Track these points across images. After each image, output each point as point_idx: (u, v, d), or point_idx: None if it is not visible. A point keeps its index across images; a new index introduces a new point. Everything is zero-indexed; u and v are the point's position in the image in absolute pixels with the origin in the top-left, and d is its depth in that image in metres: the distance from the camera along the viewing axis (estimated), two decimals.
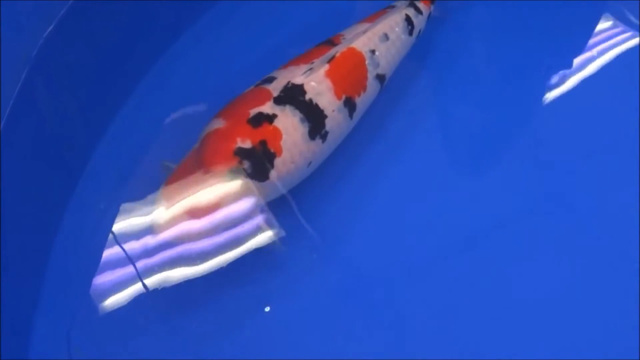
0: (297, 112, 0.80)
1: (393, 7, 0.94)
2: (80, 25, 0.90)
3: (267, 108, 0.79)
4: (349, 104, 0.85)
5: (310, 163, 0.82)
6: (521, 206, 0.90)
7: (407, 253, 0.87)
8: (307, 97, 0.81)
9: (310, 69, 0.83)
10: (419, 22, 0.94)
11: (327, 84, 0.83)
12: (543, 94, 0.98)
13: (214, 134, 0.78)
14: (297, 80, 0.82)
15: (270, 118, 0.79)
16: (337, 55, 0.85)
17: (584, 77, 0.99)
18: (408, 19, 0.92)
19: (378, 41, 0.88)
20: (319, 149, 0.82)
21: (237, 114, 0.79)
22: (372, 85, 0.88)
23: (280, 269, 0.84)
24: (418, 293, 0.85)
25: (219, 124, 0.79)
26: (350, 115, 0.86)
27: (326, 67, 0.84)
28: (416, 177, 0.91)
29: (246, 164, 0.77)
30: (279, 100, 0.80)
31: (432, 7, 0.97)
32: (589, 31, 1.03)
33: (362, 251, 0.87)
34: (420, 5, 0.95)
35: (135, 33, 0.94)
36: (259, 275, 0.83)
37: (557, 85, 0.99)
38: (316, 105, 0.81)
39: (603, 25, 1.04)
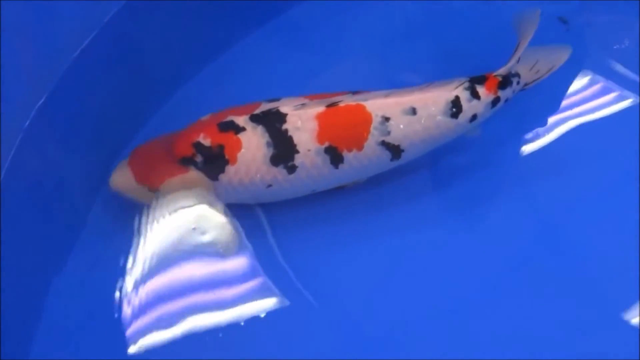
0: (266, 135, 0.85)
1: (448, 81, 0.89)
2: (73, 94, 0.96)
3: (241, 120, 0.85)
4: (332, 153, 0.86)
5: (269, 186, 0.86)
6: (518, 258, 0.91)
7: (403, 308, 0.88)
8: (284, 127, 0.85)
9: (303, 104, 0.86)
10: (473, 107, 0.88)
11: (313, 124, 0.85)
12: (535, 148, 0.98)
13: (194, 123, 0.88)
14: (285, 109, 0.86)
15: (238, 129, 0.85)
16: (340, 104, 0.86)
17: (576, 131, 0.98)
18: (455, 102, 0.87)
19: (399, 112, 0.86)
20: (282, 178, 0.86)
21: (219, 115, 0.87)
22: (372, 149, 0.87)
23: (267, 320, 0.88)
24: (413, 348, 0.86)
25: (205, 117, 0.88)
26: (335, 164, 0.86)
27: (321, 109, 0.86)
28: (409, 228, 0.93)
29: (199, 158, 0.85)
30: (254, 118, 0.86)
31: (500, 93, 0.89)
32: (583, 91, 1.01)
33: (354, 306, 0.89)
34: (481, 90, 0.88)
35: (123, 101, 0.98)
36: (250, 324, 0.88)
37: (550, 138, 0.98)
38: (290, 137, 0.85)
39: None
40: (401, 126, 0.86)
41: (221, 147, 0.84)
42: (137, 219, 0.92)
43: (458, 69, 0.97)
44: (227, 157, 0.84)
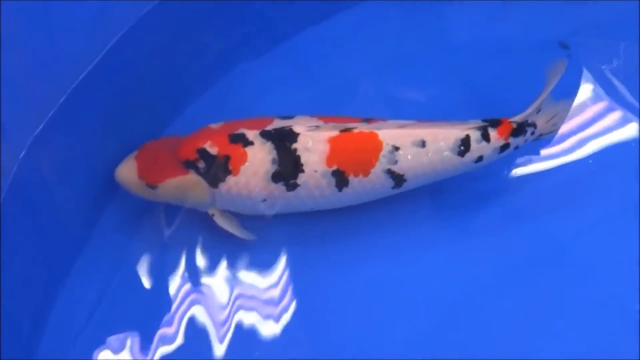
0: (274, 152, 0.85)
1: (464, 122, 0.89)
2: (71, 122, 0.93)
3: (251, 135, 0.86)
4: (338, 177, 0.86)
5: (264, 200, 0.87)
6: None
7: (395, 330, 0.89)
8: (294, 146, 0.85)
9: (318, 126, 0.86)
10: (481, 149, 0.88)
11: (324, 147, 0.85)
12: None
13: (203, 129, 0.89)
14: (298, 128, 0.86)
15: (247, 143, 0.86)
16: (355, 131, 0.86)
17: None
18: (465, 141, 0.87)
19: (409, 143, 0.87)
20: (279, 194, 0.86)
21: (231, 125, 0.88)
22: (377, 176, 0.87)
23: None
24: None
25: (216, 125, 0.89)
26: (339, 187, 0.87)
27: (335, 134, 0.86)
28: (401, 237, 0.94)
29: (201, 164, 0.86)
30: (265, 134, 0.86)
31: (511, 140, 0.89)
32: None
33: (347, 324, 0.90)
34: (493, 133, 0.88)
35: (124, 127, 0.97)
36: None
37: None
38: (298, 157, 0.85)
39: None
40: (409, 157, 0.86)
41: (227, 158, 0.85)
42: (135, 244, 0.94)
43: (464, 94, 1.01)
44: (230, 167, 0.85)
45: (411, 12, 1.06)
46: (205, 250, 0.93)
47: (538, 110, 0.89)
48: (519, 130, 0.89)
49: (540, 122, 0.90)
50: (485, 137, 0.88)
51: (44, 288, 0.90)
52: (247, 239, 0.90)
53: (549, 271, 0.92)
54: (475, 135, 0.88)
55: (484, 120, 0.89)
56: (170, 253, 0.93)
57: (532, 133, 0.90)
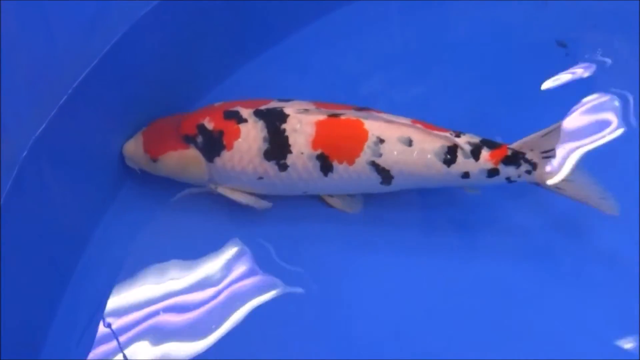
0: (265, 130, 0.89)
1: (458, 132, 0.88)
2: (72, 122, 0.92)
3: (245, 113, 0.91)
4: (323, 160, 0.89)
5: (261, 178, 0.91)
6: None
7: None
8: (283, 126, 0.89)
9: (307, 110, 0.89)
10: (467, 165, 0.87)
11: (310, 130, 0.89)
12: None
13: (205, 107, 0.95)
14: (288, 110, 0.90)
15: (240, 120, 0.90)
16: (342, 117, 0.89)
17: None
18: (451, 150, 0.87)
19: (395, 138, 0.88)
20: (274, 173, 0.90)
21: (229, 104, 0.93)
22: (363, 167, 0.89)
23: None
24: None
25: (217, 103, 0.94)
26: (324, 172, 0.90)
27: (322, 117, 0.89)
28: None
29: (199, 138, 0.91)
30: (258, 113, 0.90)
31: (500, 167, 0.87)
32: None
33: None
34: (484, 154, 0.87)
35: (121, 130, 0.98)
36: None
37: None
38: (286, 137, 0.89)
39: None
40: (395, 152, 0.87)
41: (221, 133, 0.90)
42: (136, 245, 0.96)
43: (462, 94, 1.03)
44: (224, 142, 0.90)
45: (411, 10, 1.09)
46: (205, 251, 0.94)
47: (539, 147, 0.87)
48: (513, 159, 0.87)
49: (543, 170, 0.88)
50: (475, 156, 0.87)
51: (46, 289, 0.91)
52: (263, 207, 0.92)
53: (548, 270, 0.91)
54: (464, 149, 0.87)
55: (482, 141, 0.88)
56: (171, 255, 0.94)
57: (529, 172, 0.87)
